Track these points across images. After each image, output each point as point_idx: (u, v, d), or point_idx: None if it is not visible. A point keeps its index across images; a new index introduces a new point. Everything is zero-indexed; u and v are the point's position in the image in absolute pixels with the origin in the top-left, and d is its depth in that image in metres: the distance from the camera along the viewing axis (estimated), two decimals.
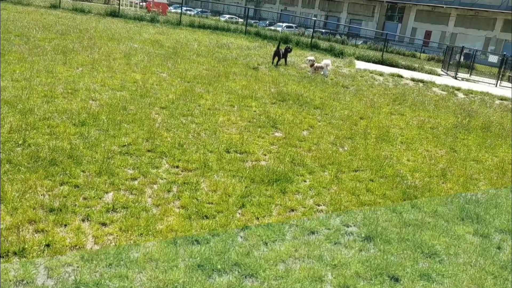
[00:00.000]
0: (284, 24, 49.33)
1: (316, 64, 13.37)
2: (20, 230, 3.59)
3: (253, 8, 61.48)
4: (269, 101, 9.01)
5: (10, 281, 3.04)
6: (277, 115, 7.93)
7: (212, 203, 4.50)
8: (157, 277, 3.29)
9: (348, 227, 4.49)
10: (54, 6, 23.54)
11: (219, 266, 3.54)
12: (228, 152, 5.92)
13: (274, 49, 14.49)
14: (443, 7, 52.70)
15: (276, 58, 13.97)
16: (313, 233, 4.28)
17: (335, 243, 4.14)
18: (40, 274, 3.16)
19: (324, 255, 3.91)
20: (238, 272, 3.51)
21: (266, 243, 3.98)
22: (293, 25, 52.43)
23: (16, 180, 4.33)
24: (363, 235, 4.33)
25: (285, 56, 14.24)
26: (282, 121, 7.62)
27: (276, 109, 8.41)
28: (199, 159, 5.52)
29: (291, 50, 14.73)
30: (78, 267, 3.28)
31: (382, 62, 21.01)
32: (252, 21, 29.81)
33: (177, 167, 5.27)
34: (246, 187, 4.95)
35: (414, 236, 4.43)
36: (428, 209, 5.14)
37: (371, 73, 16.01)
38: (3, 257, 3.25)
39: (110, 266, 3.36)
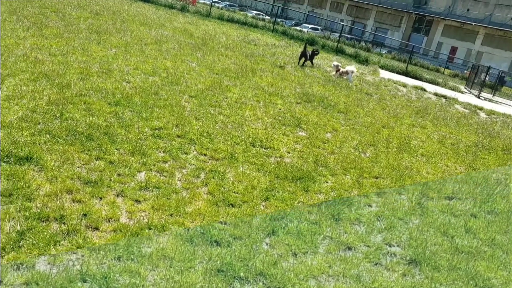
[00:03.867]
0: (310, 26, 49.30)
1: (341, 69, 13.51)
2: (59, 198, 3.79)
3: (281, 7, 61.47)
4: (294, 100, 9.15)
5: (7, 263, 2.94)
6: (302, 115, 8.07)
7: (237, 193, 4.66)
8: (172, 278, 3.13)
9: (390, 246, 4.23)
10: None
11: (241, 274, 3.29)
12: (254, 146, 6.08)
13: (301, 49, 14.61)
14: (472, 24, 52.21)
15: (303, 59, 14.11)
16: (350, 249, 4.03)
17: (376, 264, 3.86)
18: (41, 260, 3.05)
19: (362, 275, 3.62)
20: (263, 283, 3.27)
21: (296, 254, 3.72)
22: (319, 27, 52.38)
23: (55, 150, 4.53)
24: (408, 258, 4.03)
25: (311, 58, 14.37)
26: (307, 122, 7.75)
27: (301, 109, 8.54)
28: (226, 149, 5.69)
29: (318, 53, 14.84)
30: (83, 256, 3.17)
31: (406, 73, 20.98)
32: (279, 20, 29.89)
33: (205, 155, 5.45)
34: (270, 181, 5.10)
35: (467, 266, 4.08)
36: (484, 236, 4.79)
37: (394, 83, 16.03)
38: (43, 221, 3.45)
39: (120, 259, 3.21)
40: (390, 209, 5.06)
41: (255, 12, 52.57)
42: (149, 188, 4.33)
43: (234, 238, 3.79)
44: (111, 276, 2.99)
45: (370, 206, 5.10)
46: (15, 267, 2.92)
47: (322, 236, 4.11)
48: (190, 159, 5.22)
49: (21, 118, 5.00)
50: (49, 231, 3.33)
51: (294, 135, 6.96)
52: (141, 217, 3.82)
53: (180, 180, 4.67)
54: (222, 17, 23.30)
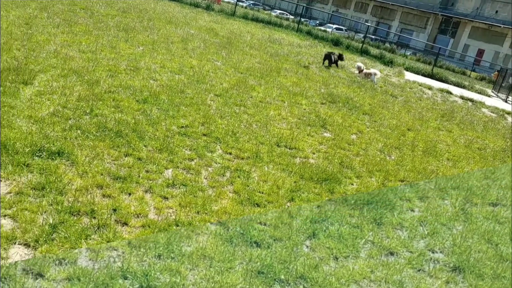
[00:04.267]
0: (334, 26, 48.99)
1: (365, 71, 13.48)
2: (90, 192, 3.86)
3: (305, 6, 61.22)
4: (319, 101, 9.12)
5: (49, 258, 2.99)
6: (326, 116, 8.04)
7: (263, 193, 4.67)
8: (212, 278, 3.15)
9: (434, 252, 4.17)
10: None
11: (282, 276, 3.27)
12: (279, 146, 6.09)
13: (326, 51, 14.51)
14: (500, 26, 51.13)
15: (327, 61, 14.04)
16: (392, 254, 3.98)
17: (418, 270, 3.80)
18: (82, 255, 3.10)
19: (405, 281, 3.57)
20: (304, 286, 3.25)
21: (337, 258, 3.69)
22: (343, 27, 51.99)
23: (85, 146, 4.63)
24: (451, 265, 3.96)
25: (336, 62, 14.24)
26: (332, 122, 7.72)
27: (326, 110, 8.51)
28: (251, 149, 5.71)
29: (343, 58, 14.64)
30: (124, 252, 3.21)
31: (431, 76, 20.67)
32: (302, 19, 29.81)
33: (230, 153, 5.48)
34: (295, 182, 5.10)
35: None
36: None
37: (420, 85, 15.82)
38: (74, 215, 3.53)
39: (160, 257, 3.23)
40: (433, 214, 4.99)
41: (279, 11, 52.50)
42: (176, 185, 4.38)
43: (274, 240, 3.76)
44: (152, 274, 3.01)
45: (412, 210, 5.05)
46: (57, 261, 2.97)
47: (364, 240, 4.08)
48: (215, 157, 5.26)
49: (52, 113, 5.11)
50: (80, 225, 3.41)
51: (319, 136, 6.94)
52: (169, 214, 3.87)
53: (206, 178, 4.71)
54: (247, 16, 23.35)
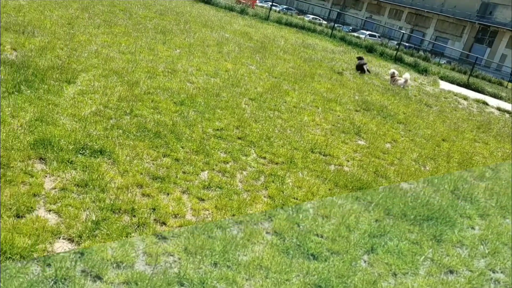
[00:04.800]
0: (368, 32, 48.55)
1: (396, 78, 13.53)
2: (130, 191, 3.96)
3: (338, 11, 60.90)
4: (353, 108, 9.07)
5: (107, 260, 3.04)
6: (361, 123, 7.99)
7: (297, 199, 4.68)
8: None
9: (494, 272, 4.10)
10: None
11: None
12: (313, 152, 6.09)
13: (359, 60, 14.30)
14: None
15: (360, 71, 13.92)
16: (452, 272, 3.94)
17: None
18: (139, 259, 3.15)
19: None
20: None
21: (396, 274, 3.65)
22: (376, 34, 51.47)
23: (126, 145, 4.74)
24: None
25: (364, 71, 14.04)
26: (366, 130, 7.67)
27: (360, 117, 8.46)
28: (285, 154, 5.73)
29: (370, 72, 14.40)
30: (180, 259, 3.24)
31: (467, 85, 20.24)
32: (335, 25, 29.62)
33: (265, 158, 5.51)
34: (329, 189, 5.09)
35: None
36: None
37: (455, 95, 15.53)
38: (115, 213, 3.62)
39: (216, 265, 3.25)
40: (495, 233, 4.90)
41: (312, 16, 52.37)
42: (212, 187, 4.44)
43: (332, 253, 3.74)
44: (208, 282, 3.03)
45: (473, 228, 4.97)
46: (114, 265, 3.03)
47: (423, 257, 4.03)
48: (250, 161, 5.30)
49: (94, 113, 5.26)
50: (121, 222, 3.50)
51: (354, 143, 6.91)
52: (205, 216, 3.93)
53: (241, 182, 4.76)
54: (281, 21, 23.40)
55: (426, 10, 59.89)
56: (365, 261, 3.75)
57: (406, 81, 13.48)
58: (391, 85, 13.15)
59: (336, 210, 4.50)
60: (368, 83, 12.47)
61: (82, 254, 3.01)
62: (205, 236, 3.54)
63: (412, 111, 10.36)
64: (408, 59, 22.60)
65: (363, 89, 11.33)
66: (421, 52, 38.76)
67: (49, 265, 2.86)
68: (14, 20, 8.29)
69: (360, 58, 14.37)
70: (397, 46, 25.50)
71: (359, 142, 7.07)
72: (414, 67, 20.68)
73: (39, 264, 2.84)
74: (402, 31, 41.86)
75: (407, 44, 45.91)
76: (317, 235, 3.96)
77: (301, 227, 4.02)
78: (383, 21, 64.28)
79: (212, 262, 3.26)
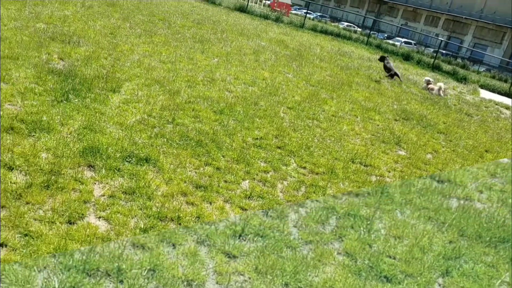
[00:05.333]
0: (403, 40, 47.86)
1: (431, 85, 13.56)
2: (175, 199, 4.02)
3: (373, 19, 60.30)
4: (392, 117, 8.94)
5: (179, 278, 3.04)
6: (401, 133, 7.86)
7: None
8: None
9: None
10: None
11: None
12: (353, 162, 6.03)
13: (384, 61, 14.06)
14: None
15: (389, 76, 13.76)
16: None
17: None
18: (210, 277, 3.16)
19: None
20: None
21: None
22: (412, 41, 50.66)
23: (169, 153, 4.83)
24: None
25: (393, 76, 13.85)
26: (406, 140, 7.54)
27: (399, 127, 8.33)
28: (325, 164, 5.70)
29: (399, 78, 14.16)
30: (250, 278, 3.24)
31: (508, 94, 19.63)
32: (370, 32, 29.33)
33: (305, 168, 5.50)
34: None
35: None
36: None
37: (496, 104, 15.08)
38: (162, 221, 3.68)
39: (287, 286, 3.23)
40: None
41: (346, 23, 52.05)
42: (253, 197, 4.46)
43: (406, 276, 3.66)
44: None
45: None
46: (185, 282, 3.05)
47: (500, 281, 3.92)
48: (290, 171, 5.30)
49: (139, 121, 5.38)
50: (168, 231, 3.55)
51: (394, 153, 6.80)
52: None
53: (282, 192, 4.75)
54: (316, 29, 23.37)
55: (464, 17, 58.58)
56: (440, 284, 3.67)
57: (440, 89, 13.33)
58: (427, 92, 13.19)
59: (409, 230, 4.38)
60: (406, 91, 12.28)
61: (153, 271, 3.05)
62: (275, 255, 3.52)
63: (453, 121, 10.12)
64: (446, 67, 22.14)
65: (401, 98, 11.15)
66: (459, 60, 37.90)
67: (121, 281, 2.90)
68: (60, 30, 8.59)
69: (383, 59, 14.04)
70: (435, 54, 25.00)
71: (400, 152, 6.96)
72: (453, 75, 20.24)
73: (112, 280, 2.89)
74: (441, 38, 41.01)
75: (444, 52, 45.00)
76: (390, 256, 3.88)
77: (373, 248, 3.95)
78: (419, 28, 63.22)
79: (283, 282, 3.23)
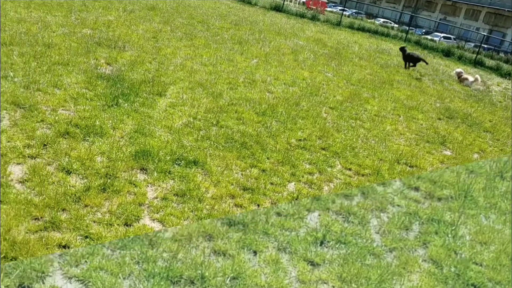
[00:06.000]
0: (442, 35, 46.65)
1: (464, 76, 13.38)
2: (224, 201, 4.09)
3: (410, 14, 59.05)
4: (436, 115, 8.76)
5: (262, 286, 3.05)
6: (445, 132, 7.70)
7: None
8: None
9: None
10: None
11: None
12: (399, 163, 5.95)
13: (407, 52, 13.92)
14: None
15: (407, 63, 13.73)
16: None
17: None
18: (293, 286, 3.14)
19: None
20: None
21: None
22: (451, 36, 49.30)
23: (216, 156, 4.90)
24: None
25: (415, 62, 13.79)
26: (451, 140, 7.38)
27: (443, 126, 8.16)
28: (371, 165, 5.65)
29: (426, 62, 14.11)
30: (334, 286, 3.21)
31: None
32: (408, 28, 28.68)
33: (350, 169, 5.46)
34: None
35: None
36: None
37: None
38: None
39: None
40: None
41: (382, 20, 51.15)
42: (300, 199, 4.47)
43: (494, 283, 3.58)
44: None
45: None
46: None
47: None
48: (335, 173, 5.28)
49: (185, 124, 5.50)
50: None
51: (439, 154, 6.67)
52: None
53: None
54: (352, 26, 23.11)
55: (506, 9, 56.53)
56: None
57: (476, 80, 13.04)
58: (462, 85, 13.05)
59: (495, 236, 4.27)
60: (449, 89, 11.99)
61: (236, 278, 3.09)
62: (359, 263, 3.49)
63: (499, 119, 9.82)
64: (489, 62, 21.45)
65: (444, 95, 10.90)
66: (501, 54, 36.61)
67: None
68: (105, 35, 8.85)
69: (404, 49, 13.88)
70: (477, 49, 24.25)
71: (445, 152, 6.81)
72: (496, 70, 19.59)
73: None
74: (483, 33, 39.72)
75: (485, 46, 43.57)
76: (477, 263, 3.80)
77: (458, 254, 3.87)
78: (459, 22, 61.47)
79: None
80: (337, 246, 3.67)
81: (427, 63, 14.27)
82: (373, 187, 4.77)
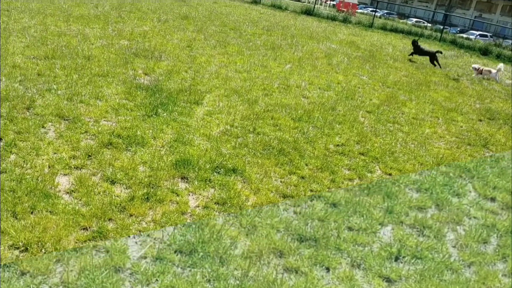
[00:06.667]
0: (478, 32, 45.42)
1: (483, 69, 12.99)
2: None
3: (443, 13, 57.76)
4: (476, 117, 8.52)
5: None
6: (487, 134, 7.48)
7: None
8: None
9: None
10: (255, 2, 25.46)
11: None
12: (439, 167, 5.81)
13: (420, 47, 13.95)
14: None
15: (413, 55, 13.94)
16: None
17: None
18: None
19: None
20: None
21: None
22: (488, 34, 47.95)
23: (254, 163, 4.92)
24: None
25: (432, 58, 13.64)
26: (494, 142, 7.16)
27: (485, 127, 7.92)
28: (411, 170, 5.54)
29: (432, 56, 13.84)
30: None
31: None
32: (443, 27, 28.04)
33: (390, 174, 5.37)
34: None
35: None
36: None
37: None
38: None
39: None
40: None
41: (415, 19, 50.27)
42: None
43: None
44: None
45: None
46: None
47: None
48: (375, 178, 5.20)
49: (223, 132, 5.54)
50: None
51: (482, 156, 6.48)
52: None
53: None
54: (385, 27, 22.79)
55: None
56: None
57: (499, 69, 12.87)
58: (478, 78, 12.77)
59: None
60: (489, 89, 11.64)
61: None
62: (436, 279, 3.41)
63: None
64: None
65: (484, 96, 10.59)
66: None
67: None
68: (142, 45, 9.05)
69: (415, 42, 13.96)
70: None
71: (488, 155, 6.61)
72: None
73: None
74: None
75: None
76: None
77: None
78: (495, 19, 59.72)
79: None
80: (412, 261, 3.56)
81: (441, 53, 14.19)
82: (448, 198, 4.50)
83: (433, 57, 13.54)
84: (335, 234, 3.71)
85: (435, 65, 13.45)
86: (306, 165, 5.18)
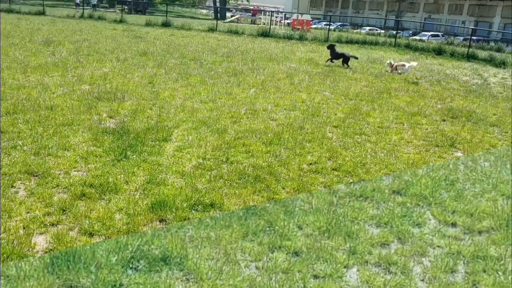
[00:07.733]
0: (430, 33, 47.07)
1: (396, 64, 13.81)
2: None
3: (394, 19, 59.70)
4: (439, 118, 8.79)
5: None
6: (452, 133, 7.71)
7: None
8: None
9: None
10: (211, 30, 25.73)
11: None
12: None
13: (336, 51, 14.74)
14: None
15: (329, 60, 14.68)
16: None
17: None
18: None
19: None
20: None
21: None
22: (439, 33, 49.75)
23: (231, 194, 4.91)
24: None
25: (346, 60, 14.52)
26: (460, 140, 7.38)
27: (449, 127, 8.17)
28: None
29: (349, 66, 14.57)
30: None
31: None
32: (396, 33, 28.99)
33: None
34: None
35: None
36: None
37: None
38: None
39: None
40: None
41: (368, 28, 51.79)
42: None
43: None
44: None
45: None
46: None
47: None
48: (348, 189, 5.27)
49: (196, 166, 5.53)
50: None
51: (451, 156, 6.67)
52: None
53: None
54: (340, 40, 23.39)
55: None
56: None
57: (412, 66, 13.59)
58: (393, 73, 13.47)
59: None
60: (448, 88, 12.05)
61: None
62: None
63: (502, 111, 9.84)
64: (482, 54, 21.59)
65: (444, 95, 10.96)
66: (492, 43, 36.84)
67: None
68: (103, 88, 8.99)
69: (331, 47, 14.71)
70: (468, 43, 24.42)
71: (457, 154, 6.81)
72: (490, 61, 19.70)
73: None
74: (471, 27, 40.09)
75: (475, 38, 43.88)
76: None
77: None
78: (444, 18, 62.12)
79: None
80: None
81: (357, 58, 15.13)
82: (409, 230, 4.40)
83: (346, 59, 14.37)
84: (301, 285, 3.48)
85: (346, 67, 14.30)
86: (283, 188, 5.21)
